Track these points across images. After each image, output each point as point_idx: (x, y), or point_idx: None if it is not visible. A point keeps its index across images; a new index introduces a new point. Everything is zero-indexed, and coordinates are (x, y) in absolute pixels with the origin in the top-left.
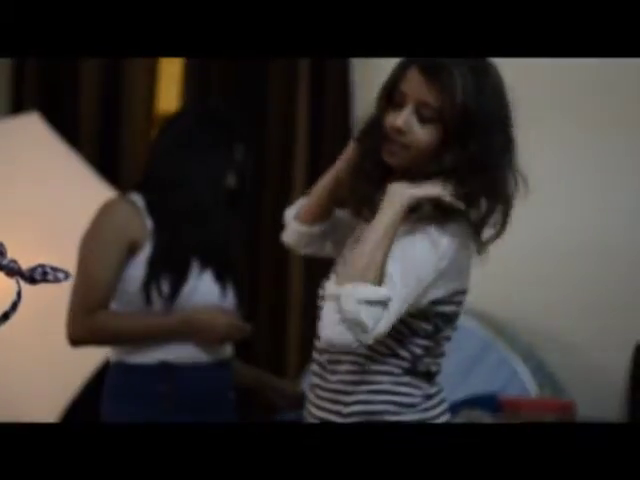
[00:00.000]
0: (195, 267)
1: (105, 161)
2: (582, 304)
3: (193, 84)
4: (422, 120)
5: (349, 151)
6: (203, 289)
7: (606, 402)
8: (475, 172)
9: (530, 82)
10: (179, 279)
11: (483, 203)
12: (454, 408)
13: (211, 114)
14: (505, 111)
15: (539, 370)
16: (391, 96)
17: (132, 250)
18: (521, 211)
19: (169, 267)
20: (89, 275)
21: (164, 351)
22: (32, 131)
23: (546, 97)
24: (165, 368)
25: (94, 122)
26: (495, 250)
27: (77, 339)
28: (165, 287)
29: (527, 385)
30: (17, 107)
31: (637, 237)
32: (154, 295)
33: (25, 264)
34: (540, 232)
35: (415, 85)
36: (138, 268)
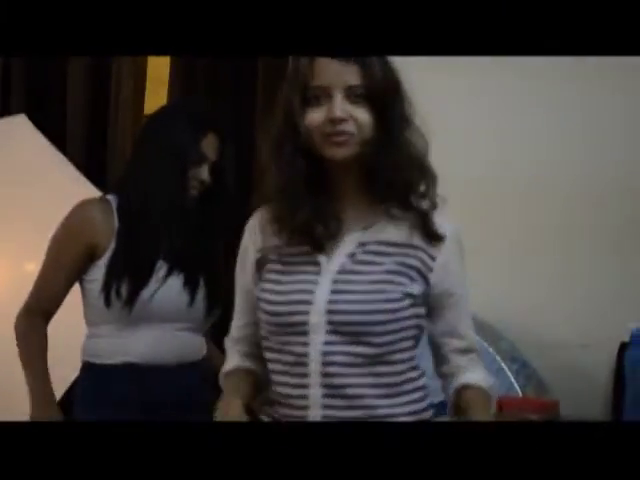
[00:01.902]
0: (161, 271)
1: (93, 162)
2: (567, 303)
3: (180, 84)
4: (356, 102)
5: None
6: (167, 294)
7: (590, 402)
8: (408, 155)
9: None
10: (137, 283)
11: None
12: (439, 408)
13: (182, 110)
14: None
15: (523, 369)
16: (304, 98)
17: (92, 253)
18: (506, 212)
19: (129, 270)
20: (41, 277)
21: (129, 352)
22: (19, 133)
23: None
24: (129, 369)
25: (81, 123)
26: (480, 250)
27: (15, 329)
28: (124, 290)
29: (511, 384)
30: (4, 109)
31: (623, 238)
32: (113, 298)
33: (12, 263)
34: (525, 231)
35: (333, 74)
36: (101, 270)
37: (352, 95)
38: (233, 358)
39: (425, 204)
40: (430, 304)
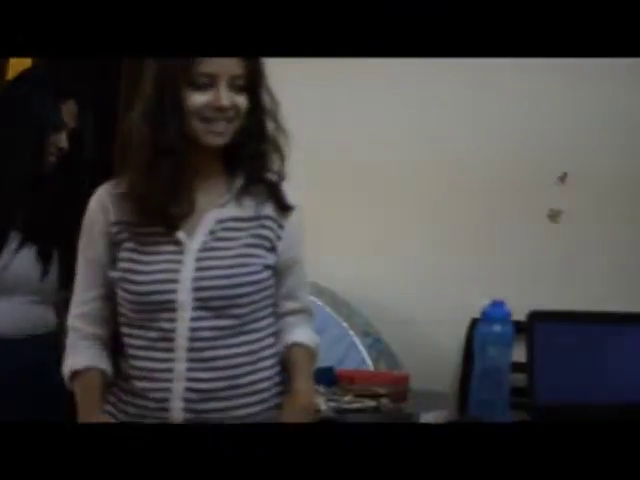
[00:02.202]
0: (14, 242)
1: None
2: (419, 280)
3: None
4: (237, 91)
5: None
6: (18, 266)
7: (441, 376)
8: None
9: None
10: None
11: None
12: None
13: (42, 76)
14: None
15: (376, 344)
16: (190, 81)
17: None
18: (368, 193)
19: None
20: None
21: None
22: None
23: None
24: None
25: None
26: (335, 227)
27: None
28: None
29: (364, 358)
30: None
31: (477, 220)
32: None
33: None
34: (384, 213)
35: (220, 62)
36: None
37: (234, 84)
38: (81, 350)
39: (275, 177)
40: (276, 270)
